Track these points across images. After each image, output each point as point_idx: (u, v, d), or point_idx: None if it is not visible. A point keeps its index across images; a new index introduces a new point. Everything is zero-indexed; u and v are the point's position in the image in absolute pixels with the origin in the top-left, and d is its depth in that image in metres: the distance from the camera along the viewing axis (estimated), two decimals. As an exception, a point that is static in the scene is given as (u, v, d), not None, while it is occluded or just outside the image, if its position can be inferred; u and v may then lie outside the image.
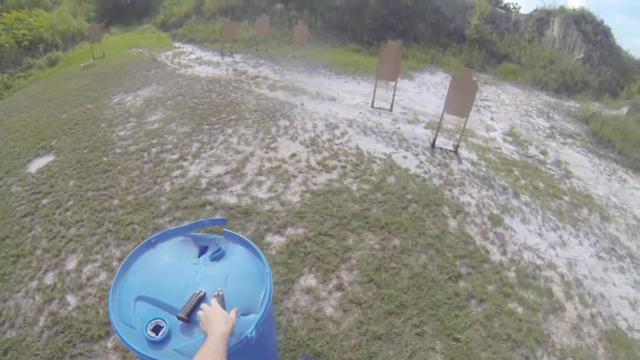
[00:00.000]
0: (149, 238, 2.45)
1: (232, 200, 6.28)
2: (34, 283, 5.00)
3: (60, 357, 4.10)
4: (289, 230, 5.66)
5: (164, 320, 1.94)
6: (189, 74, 13.31)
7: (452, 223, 6.20)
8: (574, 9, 18.56)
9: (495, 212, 6.72)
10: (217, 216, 5.88)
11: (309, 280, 4.90)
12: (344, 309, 4.55)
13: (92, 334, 4.26)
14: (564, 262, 5.90)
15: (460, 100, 8.39)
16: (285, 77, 13.36)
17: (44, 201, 6.52)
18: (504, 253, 5.79)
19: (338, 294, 4.74)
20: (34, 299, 4.79)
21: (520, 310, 4.86)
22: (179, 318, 1.91)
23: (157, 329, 1.92)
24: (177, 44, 18.86)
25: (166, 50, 17.35)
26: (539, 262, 5.76)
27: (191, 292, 2.02)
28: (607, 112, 13.12)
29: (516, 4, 22.77)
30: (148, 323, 1.93)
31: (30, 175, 7.29)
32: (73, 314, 4.51)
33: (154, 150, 7.84)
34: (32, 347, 4.23)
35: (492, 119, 11.83)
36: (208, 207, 6.12)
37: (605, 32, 17.84)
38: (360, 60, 15.77)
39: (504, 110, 12.75)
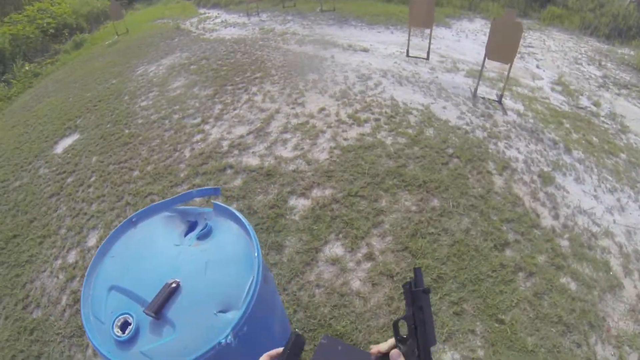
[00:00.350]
0: (131, 216, 2.13)
1: (254, 161, 5.72)
2: (58, 262, 4.82)
3: (80, 335, 3.90)
4: (315, 192, 5.04)
5: (131, 316, 1.66)
6: (213, 38, 12.72)
7: (498, 181, 5.44)
8: (628, -53, 16.59)
9: (545, 169, 5.92)
10: (238, 181, 5.33)
11: (335, 248, 4.29)
12: (373, 282, 3.93)
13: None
14: (623, 230, 5.02)
15: (504, 44, 7.46)
16: (314, 31, 12.56)
17: (69, 180, 6.36)
18: (556, 217, 5.01)
19: (367, 265, 4.11)
20: (57, 277, 4.61)
21: (573, 286, 4.11)
22: (146, 314, 1.62)
23: (124, 326, 1.65)
24: (202, 10, 18.24)
25: (191, 17, 16.79)
26: (595, 229, 4.93)
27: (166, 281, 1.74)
28: (666, 59, 11.77)
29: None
30: (115, 318, 1.66)
31: (56, 156, 7.14)
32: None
33: (175, 116, 7.41)
34: (55, 325, 4.09)
35: (538, 66, 10.79)
36: (229, 171, 5.59)
37: None
38: (392, 9, 14.72)
39: (551, 57, 11.62)
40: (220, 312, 1.64)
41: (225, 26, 14.45)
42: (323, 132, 6.30)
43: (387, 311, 3.65)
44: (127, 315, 1.66)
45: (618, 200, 5.62)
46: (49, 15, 17.56)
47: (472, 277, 4.01)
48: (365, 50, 10.32)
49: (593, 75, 10.76)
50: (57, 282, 4.53)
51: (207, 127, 6.85)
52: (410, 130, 6.32)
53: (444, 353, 3.36)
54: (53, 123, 8.53)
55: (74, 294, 4.30)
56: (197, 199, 4.63)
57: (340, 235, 4.42)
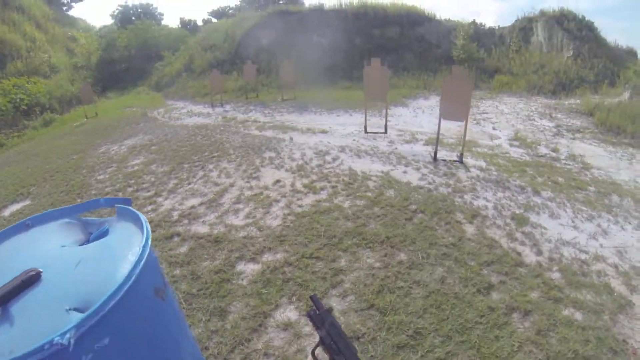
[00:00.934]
0: (25, 219, 1.72)
1: (203, 229, 5.07)
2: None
3: None
4: (266, 257, 4.34)
5: None
6: (177, 125, 12.51)
7: (470, 229, 4.83)
8: (553, 11, 17.70)
9: (517, 211, 5.40)
10: (184, 248, 4.65)
11: (288, 312, 3.49)
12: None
13: None
14: (612, 251, 4.55)
15: (457, 102, 7.23)
16: (275, 118, 12.45)
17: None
18: (539, 253, 4.42)
19: None
20: None
21: (579, 316, 3.43)
22: None
23: None
24: (169, 102, 18.41)
25: (159, 107, 16.81)
26: (583, 256, 4.40)
27: None
28: (609, 101, 11.91)
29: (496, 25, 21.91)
30: None
31: (2, 218, 6.59)
32: None
33: (129, 189, 6.89)
34: None
35: (494, 128, 10.68)
36: (175, 238, 4.93)
37: (589, 27, 16.86)
38: (351, 94, 14.93)
39: (505, 118, 11.58)
40: (73, 309, 1.17)
41: (190, 115, 14.32)
42: (277, 201, 5.71)
43: (357, 380, 2.77)
44: None
45: (598, 225, 5.19)
46: (24, 92, 17.75)
47: (457, 326, 3.22)
48: (324, 132, 10.06)
49: (547, 127, 10.70)
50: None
51: (159, 199, 6.29)
52: (369, 194, 5.76)
53: None
54: (6, 188, 8.08)
55: None
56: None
57: (294, 299, 3.64)
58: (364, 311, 3.42)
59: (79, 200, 6.63)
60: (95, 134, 12.28)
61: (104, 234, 1.64)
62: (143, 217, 1.60)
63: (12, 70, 19.76)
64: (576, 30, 16.41)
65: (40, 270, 1.28)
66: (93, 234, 1.67)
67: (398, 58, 17.67)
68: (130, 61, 25.50)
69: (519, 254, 4.34)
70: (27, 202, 7.15)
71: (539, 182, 6.63)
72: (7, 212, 6.82)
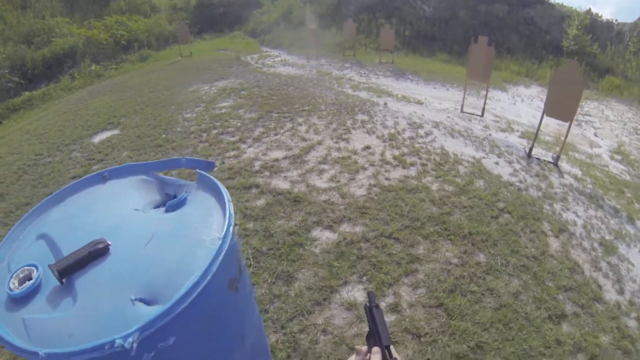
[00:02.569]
0: (102, 170, 1.67)
1: (283, 185, 5.02)
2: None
3: None
4: (344, 227, 4.24)
5: (36, 268, 1.19)
6: (270, 72, 12.40)
7: (554, 243, 4.52)
8: (683, 14, 15.58)
9: (607, 237, 4.98)
10: (261, 201, 4.65)
11: (355, 292, 3.43)
12: (394, 339, 3.02)
13: None
14: None
15: (564, 99, 6.64)
16: (370, 80, 12.11)
17: (95, 167, 5.96)
18: (621, 292, 4.07)
19: (391, 318, 3.22)
20: None
21: None
22: (50, 269, 1.13)
23: (24, 281, 1.17)
24: (264, 49, 18.27)
25: (253, 53, 16.71)
26: None
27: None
28: None
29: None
30: (20, 269, 1.19)
31: (92, 144, 6.85)
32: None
33: (214, 131, 6.92)
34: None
35: (595, 134, 9.87)
36: (254, 190, 4.92)
37: None
38: (449, 68, 14.24)
39: (609, 126, 10.66)
40: (139, 300, 1.08)
41: (284, 65, 14.23)
42: (364, 168, 5.56)
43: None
44: (31, 267, 1.19)
45: None
46: (124, 28, 18.35)
47: (519, 351, 3.05)
48: (419, 102, 9.69)
49: (656, 147, 9.67)
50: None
51: (243, 145, 6.28)
52: (458, 180, 5.50)
53: None
54: (99, 116, 8.34)
55: None
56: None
57: (364, 278, 3.58)
58: (432, 309, 3.31)
59: (164, 136, 6.84)
60: (187, 73, 12.38)
61: (181, 202, 1.49)
62: (227, 195, 1.46)
63: (115, 8, 20.40)
64: None
65: (109, 242, 1.22)
66: (170, 201, 1.51)
67: (503, 38, 16.41)
68: (228, 6, 25.11)
69: (599, 287, 4.03)
70: (116, 131, 7.39)
71: (635, 209, 6.12)
72: (97, 139, 7.10)
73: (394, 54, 15.07)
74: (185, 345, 1.14)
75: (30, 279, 1.16)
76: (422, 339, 3.04)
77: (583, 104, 12.01)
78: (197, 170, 1.65)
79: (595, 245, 4.73)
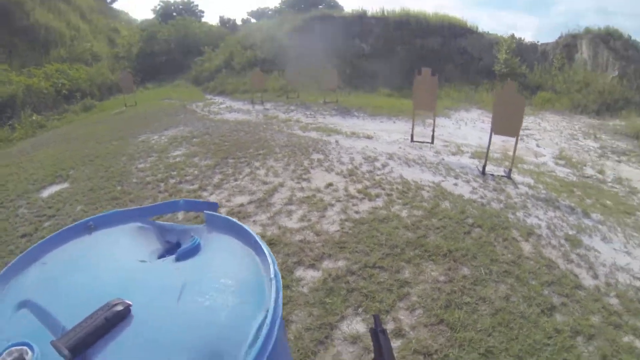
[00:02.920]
0: (87, 219, 1.36)
1: (255, 229, 5.03)
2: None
3: None
4: (326, 263, 4.32)
5: (31, 349, 0.86)
6: (217, 119, 12.58)
7: (526, 247, 4.83)
8: (599, 29, 17.32)
9: (570, 232, 5.37)
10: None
11: (355, 324, 3.49)
12: (409, 363, 3.11)
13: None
14: None
15: (509, 117, 7.21)
16: (317, 120, 12.48)
17: (46, 224, 5.60)
18: (596, 277, 4.40)
19: (397, 343, 3.31)
20: None
21: (638, 344, 3.43)
22: (55, 346, 0.81)
23: None
24: (208, 96, 18.60)
25: (197, 101, 16.97)
26: (637, 283, 4.37)
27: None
28: (657, 125, 11.59)
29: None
30: (6, 349, 0.86)
31: (40, 199, 6.45)
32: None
33: (172, 180, 6.86)
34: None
35: (537, 145, 10.56)
36: None
37: (636, 47, 16.51)
38: (393, 102, 14.89)
39: (548, 136, 11.43)
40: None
41: (230, 111, 14.40)
42: (332, 205, 5.71)
43: (433, 397, 2.81)
44: (23, 348, 0.86)
45: None
46: (65, 77, 18.19)
47: (526, 347, 3.24)
48: (369, 137, 10.07)
49: (591, 147, 10.56)
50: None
51: (204, 193, 6.27)
52: (425, 204, 5.77)
53: None
54: (45, 169, 7.94)
55: None
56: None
57: (360, 310, 3.66)
58: (434, 326, 3.44)
59: (119, 188, 6.65)
60: (134, 123, 12.32)
61: (195, 249, 1.22)
62: (252, 232, 1.24)
63: (56, 56, 20.34)
64: (622, 49, 16.09)
65: (129, 302, 0.93)
66: (180, 248, 1.23)
67: (439, 69, 17.46)
68: (170, 54, 26.06)
69: (576, 276, 4.33)
70: (66, 184, 7.08)
71: (587, 204, 6.58)
72: (45, 194, 6.74)
73: (337, 93, 15.67)
74: None
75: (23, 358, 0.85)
76: (434, 356, 3.14)
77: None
78: (205, 212, 1.42)
79: (562, 241, 5.08)
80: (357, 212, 5.47)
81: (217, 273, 1.11)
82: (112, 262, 1.18)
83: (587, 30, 17.64)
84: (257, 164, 7.46)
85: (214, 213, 1.39)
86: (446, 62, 18.34)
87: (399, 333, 3.38)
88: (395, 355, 3.17)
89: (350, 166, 7.36)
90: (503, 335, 3.34)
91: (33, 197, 6.54)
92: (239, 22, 38.04)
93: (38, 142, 11.49)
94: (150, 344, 0.86)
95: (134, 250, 1.25)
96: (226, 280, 1.07)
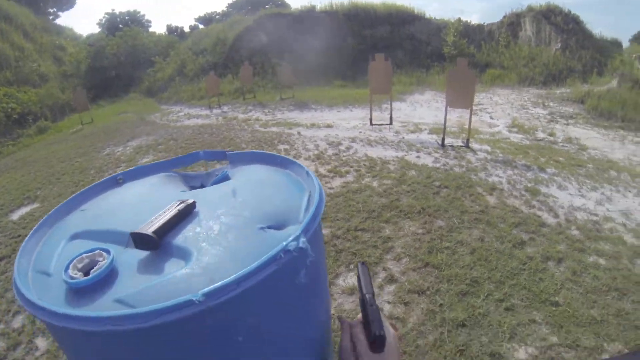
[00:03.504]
0: (115, 174, 1.39)
1: None
2: (0, 326, 3.93)
3: None
4: None
5: (105, 252, 0.84)
6: (179, 126, 12.60)
7: (491, 199, 5.31)
8: (540, 6, 18.31)
9: (529, 185, 5.88)
10: None
11: (349, 279, 3.86)
12: (404, 301, 3.51)
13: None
14: (618, 214, 5.09)
15: (461, 91, 7.71)
16: (276, 116, 12.70)
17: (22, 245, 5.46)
18: (556, 216, 4.93)
19: (391, 287, 3.70)
20: None
21: (603, 261, 3.97)
22: (135, 237, 0.83)
23: (89, 267, 0.81)
24: (164, 106, 18.44)
25: (154, 112, 16.85)
26: (594, 218, 4.94)
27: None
28: (598, 89, 12.49)
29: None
30: (73, 260, 0.82)
31: (11, 222, 6.31)
32: None
33: None
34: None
35: (491, 117, 11.15)
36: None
37: (575, 20, 17.56)
38: (347, 92, 15.24)
39: (500, 108, 12.09)
40: (269, 227, 0.89)
41: (189, 117, 14.42)
42: (306, 186, 5.97)
43: (433, 325, 3.22)
44: (96, 252, 0.84)
45: (603, 194, 5.70)
46: (15, 101, 17.58)
47: (506, 274, 3.72)
48: (330, 126, 10.41)
49: (541, 114, 11.22)
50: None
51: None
52: (393, 174, 6.17)
53: (516, 352, 2.93)
54: (10, 194, 7.79)
55: None
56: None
57: (352, 266, 4.02)
58: (421, 269, 3.86)
59: None
60: (95, 138, 12.19)
61: (225, 177, 1.25)
62: (286, 157, 1.29)
63: (1, 79, 19.62)
64: (563, 24, 17.07)
65: (193, 199, 0.97)
66: (212, 180, 1.30)
67: (390, 56, 18.00)
68: (120, 68, 25.32)
69: (539, 217, 4.83)
70: (36, 204, 6.99)
71: (542, 162, 7.11)
72: (15, 216, 6.62)
73: (294, 90, 15.89)
74: (318, 265, 0.95)
75: (96, 263, 0.82)
76: (428, 292, 3.56)
77: (474, 96, 13.43)
78: (227, 152, 1.49)
79: (523, 192, 5.58)
80: (330, 188, 5.82)
81: (257, 181, 1.19)
82: (152, 195, 1.21)
83: (530, 9, 18.58)
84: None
85: (235, 151, 1.44)
86: (396, 49, 18.87)
87: (391, 279, 3.76)
88: (392, 297, 3.54)
89: (316, 152, 7.69)
90: (484, 268, 3.78)
91: (4, 221, 6.40)
92: (187, 30, 37.66)
93: (-3, 170, 11.20)
94: (219, 223, 0.91)
95: (171, 188, 1.28)
96: (268, 182, 1.17)
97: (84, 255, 0.82)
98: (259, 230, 0.87)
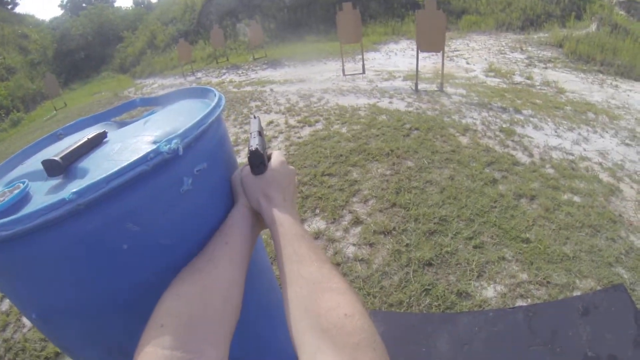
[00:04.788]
0: (56, 130, 1.46)
1: None
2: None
3: None
4: None
5: (22, 184, 0.90)
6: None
7: (464, 140, 5.07)
8: (514, -52, 17.49)
9: (504, 125, 5.64)
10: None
11: (315, 223, 3.66)
12: (369, 242, 3.31)
13: (48, 354, 3.04)
14: (595, 153, 4.87)
15: (431, 33, 7.35)
16: (250, 76, 12.37)
17: None
18: (531, 155, 4.71)
19: (357, 229, 3.50)
20: None
21: (577, 199, 3.76)
22: (45, 164, 0.87)
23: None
24: (138, 81, 18.01)
25: (128, 87, 16.44)
26: (570, 157, 4.71)
27: None
28: (577, 33, 12.12)
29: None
30: None
31: None
32: (28, 336, 3.30)
33: None
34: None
35: (467, 63, 10.84)
36: None
37: None
38: (321, 46, 14.80)
39: (477, 54, 11.74)
40: (157, 142, 0.87)
41: (163, 88, 14.09)
42: (275, 137, 5.85)
43: (398, 266, 3.02)
44: (17, 185, 0.91)
45: (579, 134, 5.47)
46: None
47: (476, 211, 3.51)
48: (302, 80, 10.09)
49: (519, 59, 10.90)
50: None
51: None
52: (363, 120, 5.92)
53: (484, 290, 2.74)
54: None
55: (5, 342, 3.39)
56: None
57: (317, 210, 3.82)
58: (388, 209, 3.65)
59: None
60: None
61: (151, 114, 1.32)
62: (208, 87, 1.31)
63: None
64: (540, -34, 16.43)
65: (105, 130, 1.04)
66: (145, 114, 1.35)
67: (363, 7, 17.35)
68: (89, 48, 24.38)
69: (513, 156, 4.61)
70: None
71: (519, 104, 6.87)
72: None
73: (266, 49, 15.45)
74: (214, 172, 0.95)
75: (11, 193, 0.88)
76: (394, 232, 3.36)
77: (450, 43, 13.10)
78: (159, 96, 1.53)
79: (497, 132, 5.34)
80: (299, 137, 5.60)
81: (171, 110, 1.25)
82: None
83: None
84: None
85: (165, 93, 1.47)
86: (369, 0, 18.29)
87: (357, 221, 3.57)
88: (357, 239, 3.35)
89: (287, 105, 7.46)
90: (453, 206, 3.56)
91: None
92: (154, 0, 36.42)
93: (-26, 168, 10.92)
94: (129, 144, 0.95)
95: None
96: (180, 110, 1.22)
97: (6, 190, 0.89)
98: (151, 144, 0.91)
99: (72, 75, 23.02)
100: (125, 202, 0.72)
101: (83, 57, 24.15)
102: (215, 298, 0.70)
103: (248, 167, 0.90)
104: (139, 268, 0.78)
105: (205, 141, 0.91)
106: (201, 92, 1.32)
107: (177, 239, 0.83)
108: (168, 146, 0.77)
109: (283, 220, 0.81)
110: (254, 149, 0.88)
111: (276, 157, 0.93)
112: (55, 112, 15.25)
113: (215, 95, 1.13)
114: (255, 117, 1.14)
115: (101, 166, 0.85)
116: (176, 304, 0.67)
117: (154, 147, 0.77)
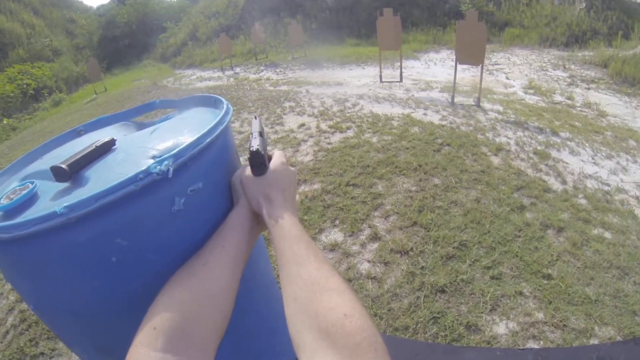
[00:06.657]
0: (76, 127, 1.44)
1: None
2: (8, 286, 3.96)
3: (20, 358, 3.11)
4: (302, 188, 4.44)
5: (31, 184, 0.94)
6: (190, 89, 12.52)
7: (495, 160, 4.90)
8: (566, -39, 16.98)
9: (539, 147, 5.42)
10: None
11: (333, 235, 3.60)
12: (384, 261, 3.22)
13: (59, 331, 3.02)
14: (633, 185, 4.57)
15: (471, 46, 7.17)
16: (287, 75, 12.42)
17: None
18: (564, 182, 4.48)
19: (374, 245, 3.42)
20: (7, 298, 3.82)
21: (608, 235, 3.51)
22: (53, 170, 0.89)
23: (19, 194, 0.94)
24: (177, 71, 18.31)
25: (167, 76, 16.74)
26: (605, 188, 4.44)
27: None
28: (623, 53, 11.60)
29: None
30: (8, 192, 0.93)
31: None
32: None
33: None
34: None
35: (507, 78, 10.58)
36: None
37: None
38: (361, 50, 14.74)
39: (518, 69, 11.44)
40: (158, 158, 0.88)
41: (201, 80, 14.26)
42: (305, 140, 5.79)
43: (410, 289, 2.92)
44: (27, 184, 0.95)
45: (618, 163, 5.18)
46: (29, 77, 17.84)
47: (498, 239, 3.35)
48: (339, 84, 10.04)
49: (561, 77, 10.55)
50: (7, 303, 3.75)
51: None
52: (395, 131, 5.80)
53: (496, 325, 2.62)
54: None
55: (21, 313, 3.50)
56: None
57: (337, 222, 3.75)
58: (408, 228, 3.54)
59: None
60: (108, 106, 12.15)
61: (165, 119, 1.33)
62: (219, 97, 1.32)
63: (15, 57, 19.90)
64: (589, -18, 15.87)
65: (114, 138, 1.04)
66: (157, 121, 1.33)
67: (406, 14, 17.16)
68: (132, 36, 25.29)
69: (545, 181, 4.41)
70: None
71: (556, 125, 6.61)
72: None
73: (305, 48, 15.49)
74: (209, 191, 0.95)
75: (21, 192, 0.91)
76: (411, 253, 3.26)
77: (490, 55, 12.82)
78: (178, 100, 1.56)
79: (531, 155, 5.14)
80: (329, 143, 5.54)
81: (182, 119, 1.26)
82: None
83: (555, -36, 17.33)
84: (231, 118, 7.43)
85: (184, 97, 1.50)
86: (412, 7, 17.96)
87: (375, 237, 3.49)
88: (373, 256, 3.27)
89: (321, 108, 7.38)
90: (475, 231, 3.43)
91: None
92: (198, -7, 37.00)
93: (14, 143, 11.42)
94: (132, 154, 0.96)
95: (120, 135, 1.27)
96: (190, 120, 1.22)
97: (17, 188, 0.93)
98: (149, 158, 0.91)
99: (114, 61, 23.70)
100: (113, 218, 0.74)
101: (126, 44, 24.99)
102: (207, 305, 0.72)
103: (248, 168, 0.91)
104: (128, 279, 0.80)
105: (202, 160, 0.91)
106: (214, 102, 1.34)
107: (166, 255, 0.84)
108: (158, 167, 0.78)
109: (283, 221, 0.82)
110: (254, 150, 0.89)
111: (277, 157, 0.95)
112: (95, 95, 15.60)
113: (223, 107, 1.15)
114: (256, 118, 1.15)
115: (102, 177, 0.88)
116: (170, 308, 0.69)
117: (150, 162, 0.79)
